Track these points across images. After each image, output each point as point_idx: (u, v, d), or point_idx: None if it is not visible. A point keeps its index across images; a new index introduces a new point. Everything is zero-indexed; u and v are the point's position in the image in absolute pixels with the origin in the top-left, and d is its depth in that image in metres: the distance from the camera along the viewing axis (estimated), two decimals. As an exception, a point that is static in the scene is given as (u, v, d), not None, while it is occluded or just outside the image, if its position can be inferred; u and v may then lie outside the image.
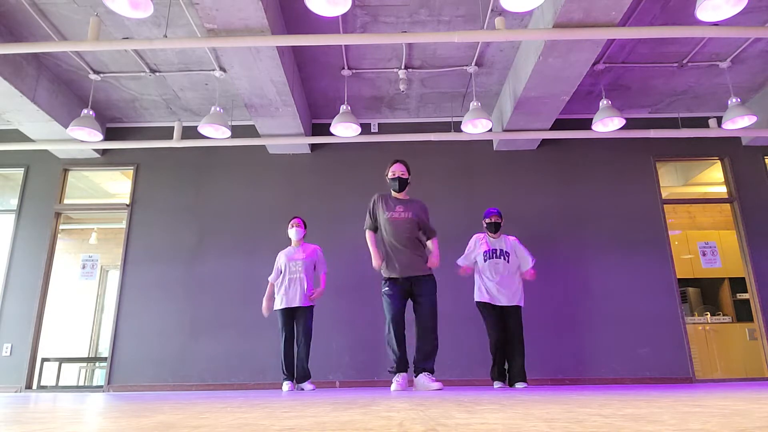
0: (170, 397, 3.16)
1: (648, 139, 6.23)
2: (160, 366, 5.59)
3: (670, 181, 7.60)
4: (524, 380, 4.39)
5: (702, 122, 6.31)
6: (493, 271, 4.56)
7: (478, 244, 4.69)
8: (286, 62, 4.84)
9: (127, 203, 6.18)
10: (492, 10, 4.50)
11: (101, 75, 5.48)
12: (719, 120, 6.26)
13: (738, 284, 6.99)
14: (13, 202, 6.49)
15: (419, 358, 3.79)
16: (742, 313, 6.92)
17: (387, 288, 3.91)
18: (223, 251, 5.95)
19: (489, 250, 4.63)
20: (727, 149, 6.24)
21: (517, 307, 4.55)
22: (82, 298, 8.16)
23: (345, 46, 5.03)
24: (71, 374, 7.69)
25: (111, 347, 5.67)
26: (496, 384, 4.50)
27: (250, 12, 3.94)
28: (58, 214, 6.22)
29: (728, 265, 6.85)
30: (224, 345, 5.62)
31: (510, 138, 5.86)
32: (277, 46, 4.43)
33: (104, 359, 6.54)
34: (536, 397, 2.13)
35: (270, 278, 4.95)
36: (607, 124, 5.14)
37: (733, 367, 6.51)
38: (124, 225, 6.12)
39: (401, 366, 3.79)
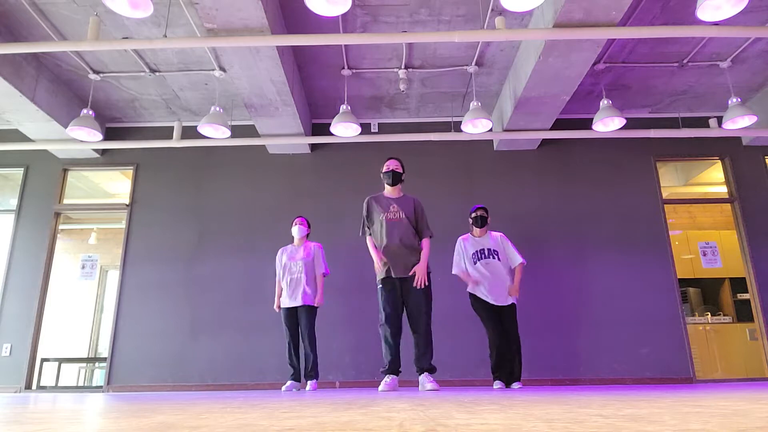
0: (170, 397, 3.16)
1: (648, 138, 6.23)
2: (159, 366, 5.58)
3: (671, 181, 7.60)
4: (519, 380, 4.38)
5: (702, 122, 6.30)
6: (484, 271, 4.43)
7: (464, 246, 4.56)
8: (286, 62, 4.84)
9: (127, 203, 6.17)
10: (492, 10, 4.50)
11: (101, 75, 5.48)
12: (719, 120, 6.25)
13: (738, 284, 6.99)
14: (13, 202, 6.49)
15: (416, 358, 3.78)
16: (743, 314, 6.91)
17: (381, 288, 3.90)
18: (223, 251, 5.94)
19: (476, 251, 4.49)
20: (727, 149, 6.24)
21: (512, 306, 4.46)
22: (81, 298, 8.16)
23: (345, 45, 5.03)
24: (71, 374, 7.69)
25: (110, 347, 5.66)
26: (497, 384, 4.45)
27: (250, 12, 3.93)
28: (57, 214, 6.21)
29: (729, 265, 6.85)
30: (224, 345, 5.62)
31: (510, 138, 5.86)
32: (276, 46, 4.42)
33: (104, 359, 6.54)
34: (536, 398, 2.13)
35: (277, 279, 4.92)
36: (607, 124, 5.14)
37: (733, 367, 6.51)
38: (123, 225, 6.12)
39: (392, 368, 3.77)
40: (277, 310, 4.83)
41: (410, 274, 3.87)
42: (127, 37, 4.84)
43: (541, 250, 5.87)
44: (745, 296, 6.89)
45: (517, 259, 4.47)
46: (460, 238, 4.62)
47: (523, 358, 5.52)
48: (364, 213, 4.08)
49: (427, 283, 3.88)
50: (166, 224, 6.07)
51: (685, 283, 7.24)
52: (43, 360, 6.23)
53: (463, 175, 6.15)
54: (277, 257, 4.97)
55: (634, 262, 5.81)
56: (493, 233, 4.59)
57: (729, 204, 6.22)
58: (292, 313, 4.73)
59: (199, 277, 5.85)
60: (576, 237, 5.91)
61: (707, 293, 7.43)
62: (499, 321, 4.42)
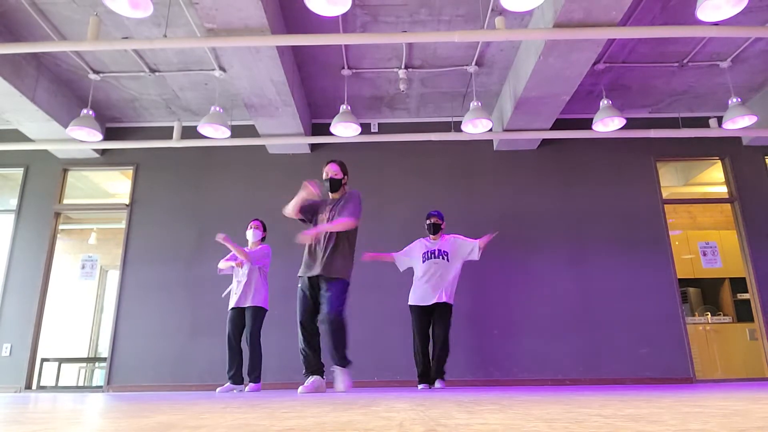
0: (170, 397, 3.16)
1: (648, 139, 6.22)
2: (159, 366, 5.58)
3: (671, 181, 7.60)
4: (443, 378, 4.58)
5: (702, 122, 6.30)
6: (429, 272, 4.67)
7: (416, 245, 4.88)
8: (286, 62, 4.84)
9: (127, 203, 6.17)
10: (492, 10, 4.49)
11: (101, 75, 5.48)
12: (720, 120, 6.25)
13: (738, 284, 6.99)
14: (13, 202, 6.48)
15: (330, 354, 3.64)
16: (743, 313, 6.91)
17: (299, 286, 3.75)
18: (223, 251, 5.94)
19: (426, 251, 4.76)
20: (727, 149, 6.24)
21: (444, 306, 4.64)
22: (81, 298, 8.16)
23: (345, 45, 5.03)
24: (71, 374, 7.69)
25: (110, 347, 5.66)
26: (421, 386, 4.57)
27: (250, 11, 3.93)
28: (57, 214, 6.21)
29: (729, 265, 6.84)
30: (224, 345, 5.61)
31: (510, 138, 5.86)
32: (276, 46, 4.42)
33: (104, 359, 6.54)
34: (536, 398, 2.13)
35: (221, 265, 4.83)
36: (607, 124, 5.14)
37: (733, 367, 6.51)
38: (123, 225, 6.12)
39: (311, 367, 3.63)
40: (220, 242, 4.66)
41: (331, 276, 3.65)
42: (127, 37, 4.84)
43: (541, 250, 5.87)
44: (745, 296, 6.88)
45: (473, 243, 4.71)
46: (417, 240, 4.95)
47: (523, 358, 5.54)
48: (307, 211, 3.92)
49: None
50: (166, 224, 6.07)
51: (685, 283, 7.23)
52: (43, 360, 6.23)
53: (463, 175, 6.15)
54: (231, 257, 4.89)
55: (634, 262, 5.81)
56: (446, 236, 4.88)
57: (729, 204, 6.22)
58: (238, 314, 4.69)
59: (199, 277, 5.85)
60: (576, 237, 5.91)
61: (707, 293, 7.43)
62: (428, 323, 4.65)
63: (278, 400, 2.39)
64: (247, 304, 4.63)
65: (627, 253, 5.84)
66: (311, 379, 3.61)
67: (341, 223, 3.69)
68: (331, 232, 3.74)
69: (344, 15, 4.57)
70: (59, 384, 6.98)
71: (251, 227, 4.86)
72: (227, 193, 6.16)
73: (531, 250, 5.86)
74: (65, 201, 6.35)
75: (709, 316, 6.88)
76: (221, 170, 6.25)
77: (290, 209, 3.83)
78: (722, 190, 6.44)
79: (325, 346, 3.64)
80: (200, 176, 6.23)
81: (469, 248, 4.70)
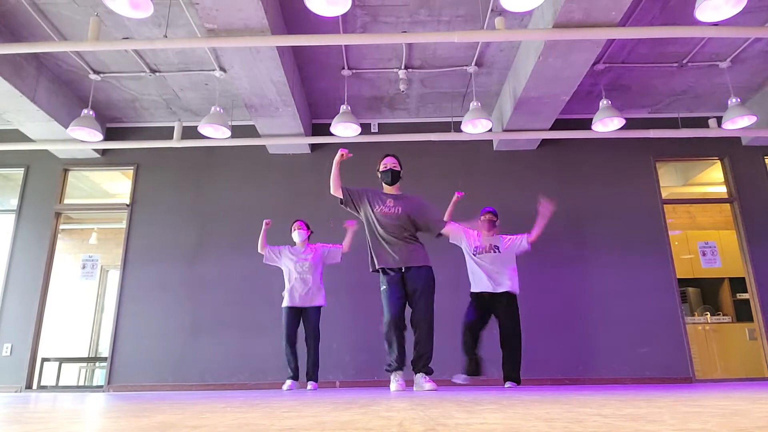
0: (170, 397, 3.16)
1: (648, 139, 6.23)
2: (160, 366, 5.59)
3: (670, 181, 7.60)
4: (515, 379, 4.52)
5: (702, 122, 6.30)
6: (482, 263, 4.60)
7: (472, 235, 4.71)
8: (286, 62, 4.84)
9: (127, 203, 6.18)
10: (492, 10, 4.50)
11: (101, 75, 5.48)
12: (719, 120, 6.25)
13: (738, 284, 6.99)
14: (13, 202, 6.49)
15: (415, 357, 3.68)
16: (742, 313, 6.91)
17: (384, 282, 3.75)
18: (223, 251, 5.94)
19: (479, 245, 4.65)
20: (727, 149, 6.24)
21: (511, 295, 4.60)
22: (82, 298, 8.16)
23: (345, 46, 5.03)
24: (71, 374, 7.69)
25: (111, 347, 5.67)
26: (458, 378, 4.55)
27: (250, 12, 3.94)
28: (58, 214, 6.22)
29: (728, 265, 6.85)
30: (224, 345, 5.62)
31: (510, 138, 5.86)
32: (277, 46, 4.43)
33: (104, 359, 6.54)
34: (536, 397, 2.13)
35: (260, 248, 4.91)
36: (606, 124, 5.14)
37: (733, 367, 6.51)
38: (124, 225, 6.12)
39: (399, 364, 3.67)
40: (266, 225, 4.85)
41: (419, 264, 3.73)
42: (127, 38, 4.85)
43: (541, 250, 5.86)
44: (745, 296, 6.89)
45: (523, 238, 4.65)
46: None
47: (524, 358, 5.53)
48: (360, 189, 3.91)
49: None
50: (166, 224, 6.07)
51: (684, 283, 7.24)
52: (44, 360, 6.23)
53: (463, 175, 6.15)
54: (281, 250, 4.96)
55: (633, 262, 5.81)
56: (499, 235, 4.78)
57: (728, 204, 6.22)
58: (296, 313, 4.74)
59: (200, 277, 5.86)
60: (575, 237, 5.91)
61: (707, 293, 7.44)
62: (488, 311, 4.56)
63: (278, 399, 2.40)
64: (313, 303, 4.75)
65: (626, 253, 5.85)
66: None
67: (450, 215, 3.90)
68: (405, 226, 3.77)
69: (344, 15, 4.57)
70: (60, 384, 6.98)
71: (295, 228, 4.93)
72: (227, 193, 6.16)
73: (530, 249, 5.85)
74: (66, 201, 6.36)
75: (709, 315, 6.89)
76: (221, 170, 6.26)
77: (332, 184, 3.82)
78: (722, 190, 6.44)
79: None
80: (200, 176, 6.24)
81: (519, 244, 4.73)
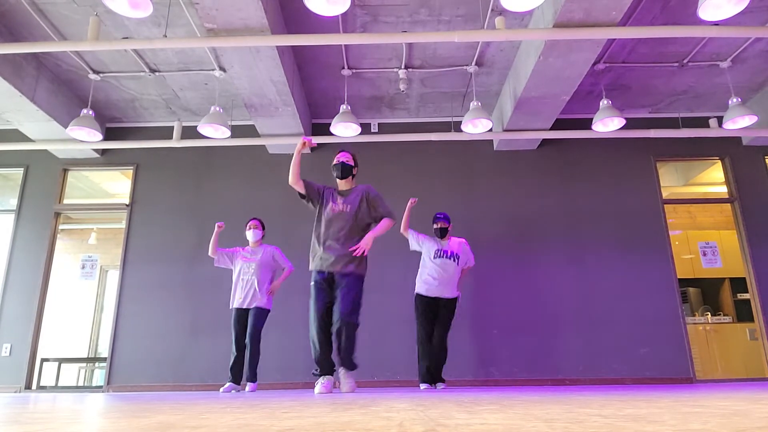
0: (170, 397, 3.16)
1: (648, 139, 6.22)
2: (159, 366, 5.58)
3: (671, 181, 7.60)
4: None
5: (702, 122, 6.30)
6: (440, 269, 4.66)
7: (426, 238, 4.83)
8: (286, 62, 4.84)
9: (127, 203, 6.17)
10: (492, 10, 4.49)
11: (101, 75, 5.48)
12: (720, 120, 6.25)
13: (738, 284, 6.99)
14: (13, 202, 6.48)
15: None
16: (743, 313, 6.91)
17: (312, 282, 3.67)
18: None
19: (438, 249, 4.74)
20: (727, 149, 6.23)
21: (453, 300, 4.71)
22: (81, 298, 8.16)
23: (345, 45, 5.03)
24: (71, 374, 7.69)
25: (110, 347, 5.66)
26: (423, 386, 4.55)
27: (250, 12, 3.93)
28: (57, 214, 6.21)
29: (729, 265, 6.84)
30: (224, 345, 5.61)
31: (510, 138, 5.86)
32: (277, 46, 4.42)
33: (104, 359, 6.54)
34: (536, 398, 2.13)
35: (211, 253, 4.78)
36: (607, 124, 5.14)
37: (733, 367, 6.51)
38: (123, 225, 6.12)
39: (325, 368, 3.55)
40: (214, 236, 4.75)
41: (346, 271, 3.61)
42: (127, 37, 4.84)
43: (541, 250, 5.87)
44: (745, 296, 6.88)
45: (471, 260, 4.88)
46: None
47: (523, 358, 5.54)
48: (318, 185, 3.82)
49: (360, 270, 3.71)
50: (166, 224, 6.07)
51: (685, 283, 7.23)
52: (43, 360, 6.23)
53: (463, 175, 6.15)
54: (234, 251, 4.88)
55: (634, 262, 5.81)
56: (454, 238, 4.89)
57: (729, 204, 6.21)
58: (242, 314, 4.70)
59: (199, 277, 5.85)
60: (576, 237, 5.91)
61: (707, 293, 7.43)
62: (434, 318, 4.65)
63: (278, 400, 2.39)
64: (254, 304, 4.64)
65: (627, 253, 5.84)
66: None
67: (385, 228, 3.71)
68: (351, 229, 3.66)
69: (344, 15, 4.57)
70: (59, 384, 6.97)
71: (251, 227, 4.84)
72: (227, 193, 6.16)
73: (531, 249, 5.86)
74: (65, 201, 6.35)
75: (709, 316, 6.88)
76: (221, 170, 6.25)
77: (291, 175, 3.67)
78: (722, 190, 6.44)
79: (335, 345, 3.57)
80: (200, 176, 6.23)
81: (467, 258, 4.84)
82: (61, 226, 6.42)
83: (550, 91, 5.03)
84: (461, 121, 5.33)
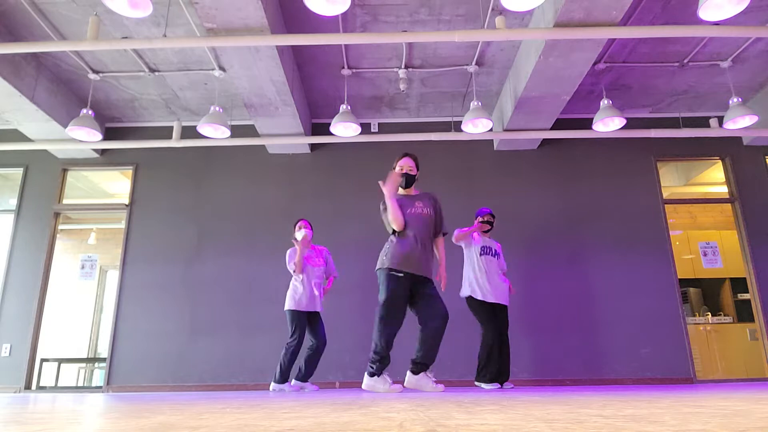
0: (170, 397, 3.15)
1: (649, 138, 6.22)
2: (159, 366, 5.58)
3: (671, 180, 7.59)
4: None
5: (703, 122, 6.30)
6: (486, 267, 4.61)
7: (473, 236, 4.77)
8: (286, 62, 4.84)
9: (127, 203, 6.17)
10: (492, 10, 4.49)
11: (100, 75, 5.48)
12: (720, 120, 6.25)
13: (739, 284, 6.98)
14: (12, 202, 6.48)
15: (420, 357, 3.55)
16: (743, 314, 6.91)
17: (393, 281, 3.54)
18: (223, 251, 5.94)
19: (484, 246, 4.71)
20: (728, 149, 6.23)
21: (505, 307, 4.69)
22: (81, 298, 8.15)
23: (345, 45, 5.02)
24: (70, 375, 7.69)
25: (110, 347, 5.66)
26: (490, 386, 4.47)
27: (250, 11, 3.93)
28: (57, 214, 6.21)
29: (729, 266, 6.84)
30: (224, 345, 5.61)
31: (510, 138, 5.85)
32: (276, 46, 4.42)
33: (103, 360, 6.54)
34: (537, 398, 2.12)
35: (299, 271, 4.63)
36: (607, 124, 5.14)
37: (734, 367, 6.50)
38: (123, 225, 6.12)
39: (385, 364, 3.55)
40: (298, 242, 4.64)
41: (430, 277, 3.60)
42: (126, 37, 4.84)
43: (541, 250, 5.86)
44: (746, 296, 6.88)
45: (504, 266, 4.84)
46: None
47: (523, 358, 5.54)
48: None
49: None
50: (165, 224, 6.06)
51: (685, 283, 7.23)
52: (43, 360, 6.23)
53: (463, 175, 6.15)
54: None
55: (634, 262, 5.80)
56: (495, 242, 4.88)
57: (729, 204, 6.21)
58: (309, 316, 4.67)
59: (199, 277, 5.85)
60: (576, 237, 5.90)
61: (708, 293, 7.43)
62: (497, 320, 4.58)
63: (278, 400, 2.39)
64: (318, 308, 4.67)
65: (627, 253, 5.84)
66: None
67: (444, 263, 3.75)
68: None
69: (344, 15, 4.56)
70: (59, 384, 6.97)
71: (300, 227, 4.69)
72: (227, 193, 6.16)
73: (531, 250, 5.86)
74: (65, 201, 6.35)
75: (710, 316, 6.88)
76: (221, 170, 6.25)
77: (399, 220, 3.52)
78: (723, 190, 6.43)
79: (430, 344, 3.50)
80: (200, 176, 6.23)
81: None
82: (60, 226, 6.41)
83: (551, 90, 5.03)
84: (461, 121, 5.33)
